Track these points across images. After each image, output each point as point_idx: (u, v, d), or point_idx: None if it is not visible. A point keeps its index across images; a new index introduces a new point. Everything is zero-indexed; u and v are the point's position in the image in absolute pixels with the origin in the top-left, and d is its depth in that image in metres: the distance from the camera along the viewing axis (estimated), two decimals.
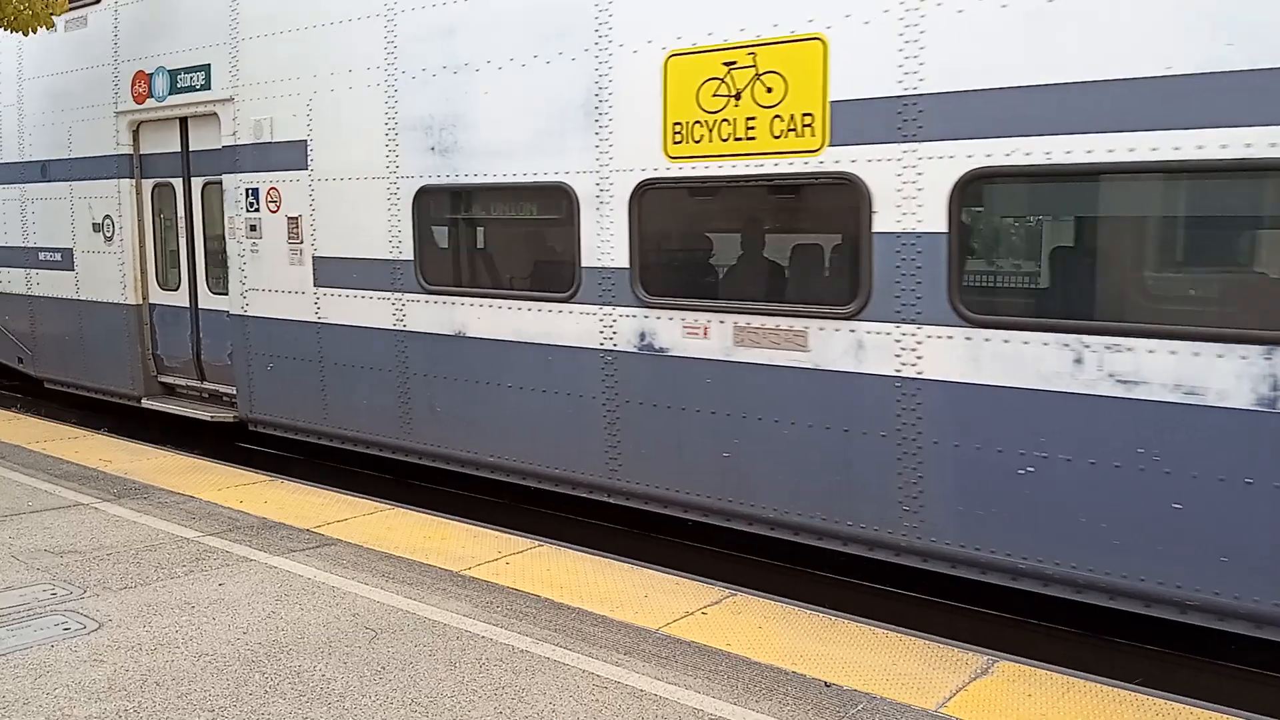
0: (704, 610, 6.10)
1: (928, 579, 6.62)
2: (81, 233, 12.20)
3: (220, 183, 10.56)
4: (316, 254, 9.57)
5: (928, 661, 5.41)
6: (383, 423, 9.20)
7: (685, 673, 5.25)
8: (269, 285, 10.04)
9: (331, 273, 9.46)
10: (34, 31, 11.23)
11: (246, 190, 10.14)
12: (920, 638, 5.76)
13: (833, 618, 6.03)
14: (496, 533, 7.70)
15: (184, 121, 10.99)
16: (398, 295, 8.91)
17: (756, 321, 6.79)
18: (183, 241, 11.23)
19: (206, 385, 11.24)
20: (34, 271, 13.03)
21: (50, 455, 10.20)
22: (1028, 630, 6.42)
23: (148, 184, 11.55)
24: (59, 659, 5.40)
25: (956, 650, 5.57)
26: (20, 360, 13.59)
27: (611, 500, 7.84)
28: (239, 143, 10.17)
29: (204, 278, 11.06)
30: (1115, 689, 5.10)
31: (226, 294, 10.71)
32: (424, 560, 7.01)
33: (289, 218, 9.77)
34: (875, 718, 4.83)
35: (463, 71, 8.29)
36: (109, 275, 11.86)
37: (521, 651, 5.49)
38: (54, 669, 5.29)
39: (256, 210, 10.07)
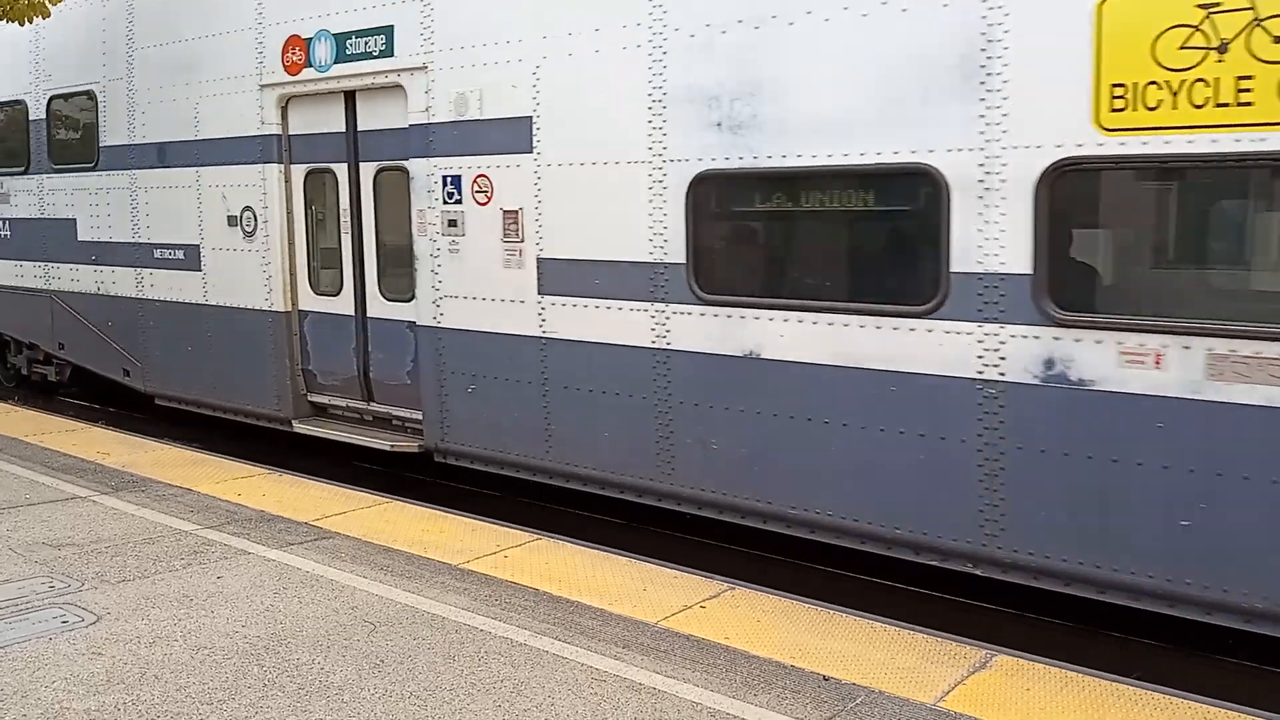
0: (702, 604, 6.06)
1: (927, 572, 6.42)
2: (212, 227, 10.50)
3: (403, 169, 8.87)
4: (542, 255, 7.88)
5: (926, 655, 5.38)
6: (632, 461, 7.52)
7: (683, 666, 5.23)
8: (473, 292, 8.36)
9: (563, 278, 7.78)
10: (30, 21, 10.76)
11: (444, 178, 8.44)
12: (919, 631, 5.70)
13: (831, 611, 5.97)
14: (494, 526, 7.60)
15: (350, 96, 9.30)
16: (660, 306, 7.23)
17: (1249, 348, 5.10)
18: (346, 239, 9.54)
19: (374, 407, 9.55)
20: (147, 271, 11.33)
21: (48, 448, 10.07)
22: (1026, 624, 6.39)
23: (299, 170, 9.85)
24: (57, 652, 5.40)
25: (955, 644, 5.52)
26: (126, 373, 11.88)
27: (979, 572, 6.16)
28: (433, 121, 8.47)
29: (375, 281, 9.36)
30: (1113, 683, 5.05)
31: (407, 300, 9.03)
32: (422, 554, 6.96)
33: (505, 211, 8.08)
34: (874, 711, 4.79)
35: (768, 26, 6.59)
36: (249, 277, 10.17)
37: (520, 645, 5.48)
38: (51, 662, 5.29)
39: (457, 202, 8.38)
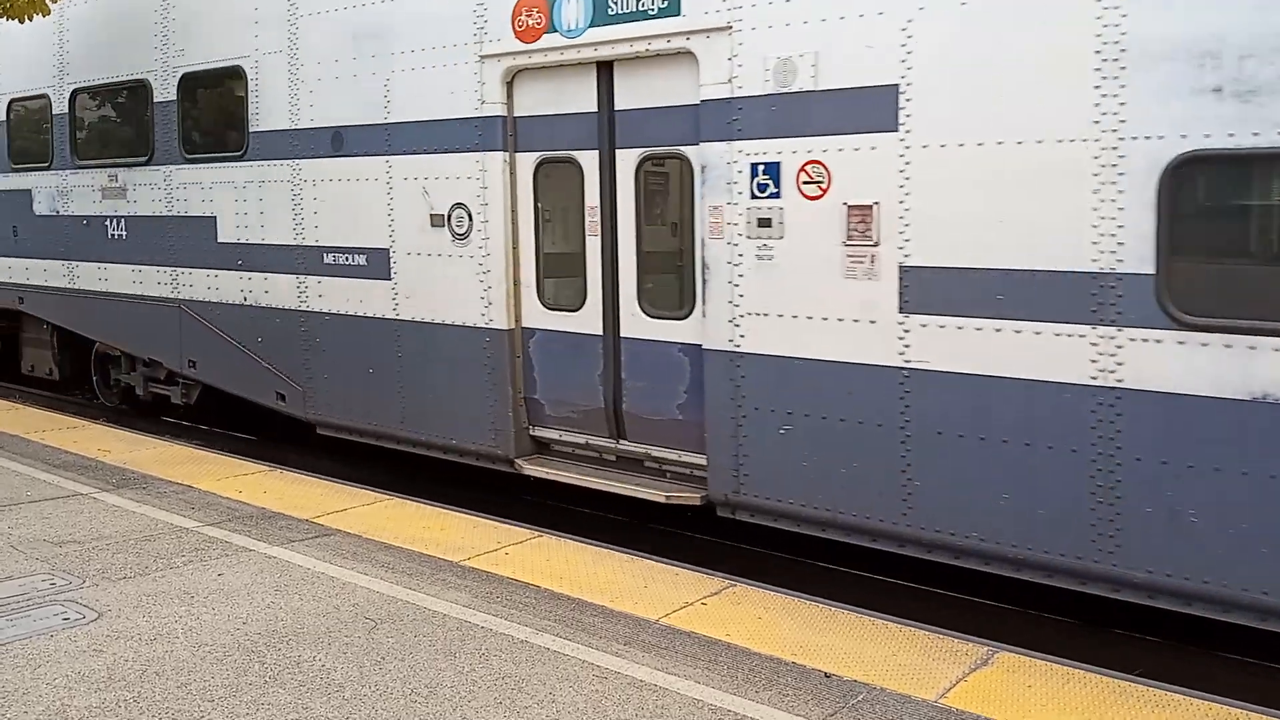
0: (704, 601, 6.03)
1: (928, 569, 6.41)
2: (407, 227, 8.78)
3: (681, 156, 7.17)
4: (907, 262, 6.13)
5: (928, 652, 5.33)
6: (1047, 534, 5.76)
7: (685, 663, 5.19)
8: (792, 309, 6.61)
9: (940, 292, 6.03)
10: (30, 19, 10.61)
11: (753, 166, 6.70)
12: (920, 629, 5.64)
13: (833, 608, 5.94)
14: (496, 523, 7.54)
15: (606, 67, 7.57)
16: (1108, 331, 5.47)
17: None
18: (592, 242, 7.80)
19: (626, 446, 7.80)
20: (313, 279, 9.62)
21: (49, 445, 10.08)
22: (1028, 621, 6.40)
23: (527, 159, 8.12)
24: (58, 649, 5.39)
25: (956, 641, 5.48)
26: (281, 397, 10.16)
27: None
28: (739, 94, 6.73)
29: (633, 294, 7.62)
30: (1115, 680, 5.01)
31: (681, 318, 7.31)
32: (424, 550, 6.93)
33: (849, 207, 6.33)
34: (875, 708, 4.74)
35: None
36: (459, 287, 8.43)
37: (521, 642, 5.45)
38: (53, 659, 5.27)
39: (773, 196, 6.64)
